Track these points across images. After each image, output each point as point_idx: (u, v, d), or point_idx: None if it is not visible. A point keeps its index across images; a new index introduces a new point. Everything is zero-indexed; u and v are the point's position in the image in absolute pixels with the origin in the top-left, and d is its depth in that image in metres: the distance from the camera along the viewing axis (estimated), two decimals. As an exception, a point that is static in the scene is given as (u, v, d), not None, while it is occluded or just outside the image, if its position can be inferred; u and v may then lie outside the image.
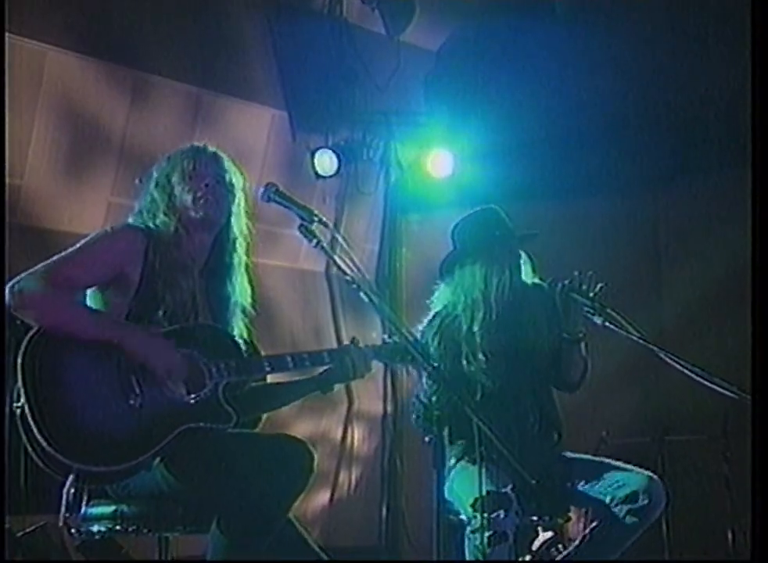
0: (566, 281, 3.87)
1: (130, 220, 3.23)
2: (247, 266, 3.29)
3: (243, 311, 3.26)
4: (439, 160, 6.76)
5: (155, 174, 3.25)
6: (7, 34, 5.03)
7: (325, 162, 6.52)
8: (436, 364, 2.93)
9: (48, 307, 2.92)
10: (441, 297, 4.14)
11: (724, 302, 5.67)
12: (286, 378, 3.35)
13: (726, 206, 5.61)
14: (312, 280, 6.84)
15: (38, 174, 5.45)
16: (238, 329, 3.23)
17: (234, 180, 3.24)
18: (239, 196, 3.24)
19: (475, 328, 3.98)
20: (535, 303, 4.06)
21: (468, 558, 3.66)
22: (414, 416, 3.96)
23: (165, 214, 3.16)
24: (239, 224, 3.25)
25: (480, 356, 3.95)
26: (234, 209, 3.22)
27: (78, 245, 3.10)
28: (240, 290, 3.26)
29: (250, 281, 3.29)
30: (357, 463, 6.85)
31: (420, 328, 4.08)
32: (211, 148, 3.27)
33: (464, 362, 3.96)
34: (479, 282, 4.01)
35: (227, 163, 3.26)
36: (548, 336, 4.05)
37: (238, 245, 3.25)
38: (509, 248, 4.05)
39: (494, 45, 6.76)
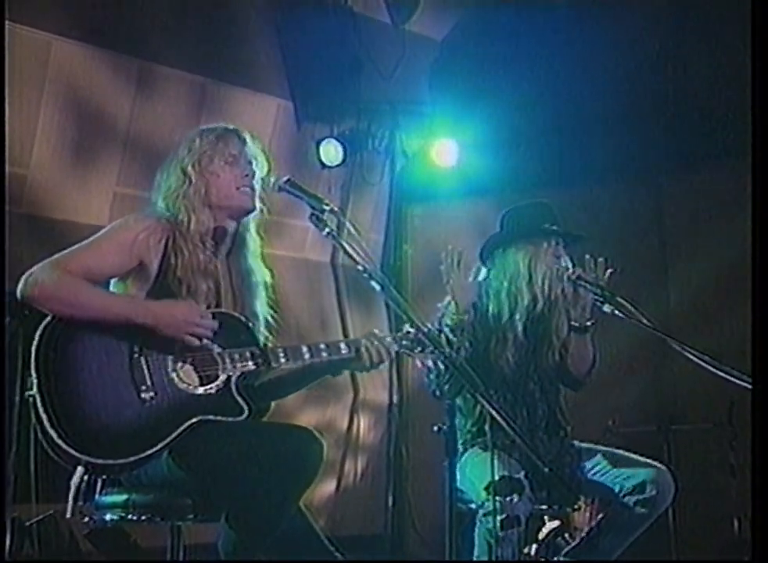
0: (575, 269, 3.87)
1: (158, 202, 3.18)
2: (262, 246, 3.28)
3: (266, 291, 3.24)
4: (444, 150, 6.76)
5: (185, 158, 3.17)
6: (13, 24, 5.04)
7: (330, 151, 6.52)
8: (448, 354, 2.91)
9: (65, 296, 2.90)
10: (486, 280, 4.10)
11: (730, 291, 5.67)
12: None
13: (732, 195, 5.60)
14: (317, 270, 6.84)
15: (44, 164, 5.45)
16: (261, 310, 3.21)
17: (263, 165, 3.21)
18: (259, 180, 3.22)
19: (517, 316, 3.99)
20: (560, 303, 4.04)
21: (477, 542, 3.67)
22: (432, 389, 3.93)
23: (193, 202, 3.12)
24: (265, 202, 3.24)
25: (511, 344, 3.95)
26: (263, 187, 3.21)
27: (97, 235, 3.07)
28: (262, 270, 3.25)
29: (265, 261, 3.29)
30: (362, 452, 6.86)
31: (443, 302, 4.04)
32: (243, 133, 3.22)
33: (493, 345, 3.96)
34: (523, 272, 4.01)
35: (255, 147, 3.22)
36: (561, 329, 4.05)
37: (258, 227, 3.24)
38: (555, 244, 4.02)
39: (499, 34, 6.74)
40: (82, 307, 2.92)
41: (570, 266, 3.98)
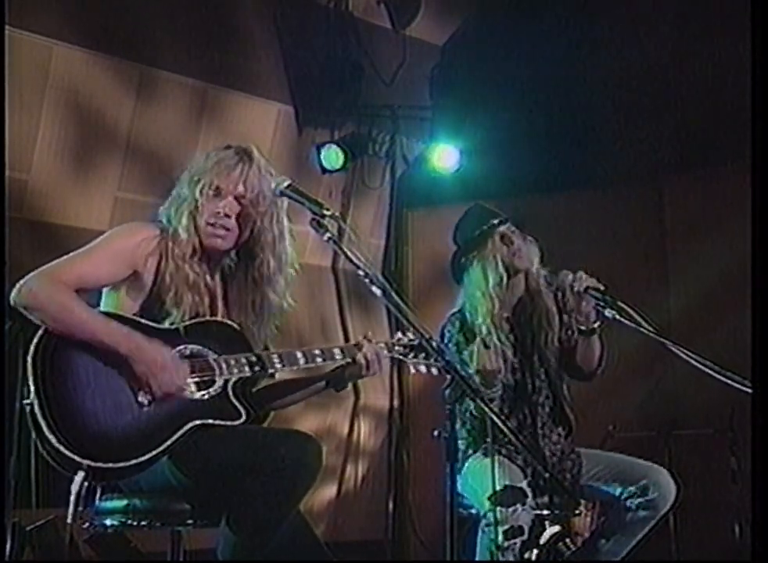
0: (576, 275, 3.88)
1: (161, 209, 3.14)
2: (284, 272, 3.22)
3: (272, 316, 3.20)
4: (445, 155, 6.76)
5: (190, 174, 3.12)
6: (14, 29, 5.05)
7: (331, 156, 6.53)
8: (448, 359, 2.91)
9: (55, 310, 2.87)
10: (460, 297, 4.16)
11: (731, 296, 5.66)
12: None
13: (734, 197, 5.59)
14: (318, 275, 6.84)
15: (45, 169, 5.46)
16: (263, 333, 3.17)
17: (262, 192, 3.09)
18: (269, 206, 3.11)
19: (479, 321, 4.00)
20: (542, 292, 4.08)
21: (479, 550, 3.68)
22: None
23: (184, 220, 3.08)
24: (272, 231, 3.15)
25: (492, 348, 3.96)
26: (261, 220, 3.12)
27: (92, 243, 3.05)
28: (272, 296, 3.19)
29: (285, 289, 3.22)
30: (363, 457, 6.86)
31: (441, 325, 4.09)
32: (253, 159, 3.10)
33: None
34: (479, 280, 4.04)
35: (263, 173, 3.11)
36: (558, 327, 4.07)
37: (269, 254, 3.16)
38: (499, 239, 4.05)
39: (499, 40, 6.76)
40: (70, 326, 2.88)
41: (526, 242, 4.02)
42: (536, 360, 4.03)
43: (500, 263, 4.02)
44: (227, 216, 3.08)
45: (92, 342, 2.89)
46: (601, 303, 3.80)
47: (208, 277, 3.14)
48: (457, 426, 3.84)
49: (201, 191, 3.09)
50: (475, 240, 4.08)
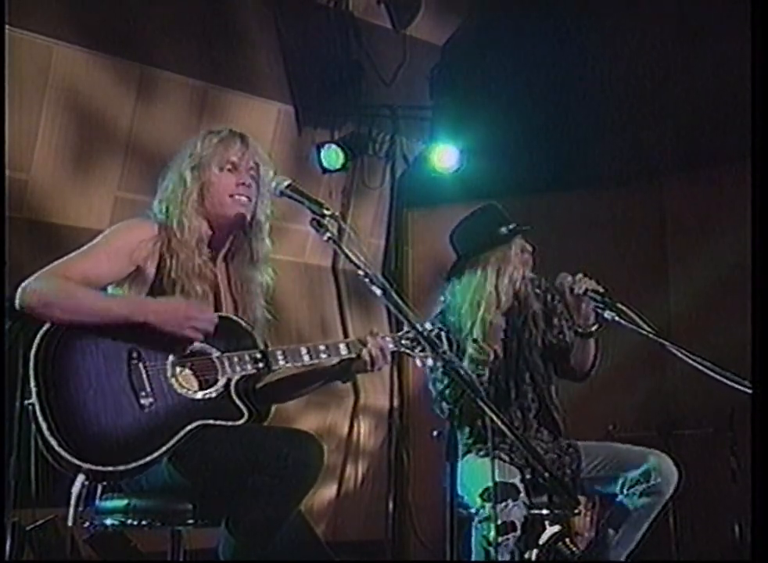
0: (576, 277, 3.88)
1: (154, 206, 3.15)
2: (268, 249, 3.26)
3: (265, 295, 3.23)
4: (445, 154, 6.76)
5: (184, 162, 3.14)
6: (14, 29, 5.05)
7: (331, 156, 6.53)
8: (448, 358, 2.92)
9: (65, 301, 2.88)
10: (448, 295, 4.14)
11: (731, 296, 5.66)
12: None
13: (734, 197, 5.60)
14: (318, 274, 6.85)
15: (45, 169, 5.46)
16: (261, 314, 3.20)
17: (265, 170, 3.17)
18: (266, 185, 3.18)
19: (477, 321, 4.00)
20: (530, 295, 4.09)
21: (474, 548, 3.68)
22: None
23: (187, 208, 3.09)
24: (265, 210, 3.21)
25: (487, 349, 3.97)
26: (260, 198, 3.19)
27: (93, 242, 3.06)
28: (263, 273, 3.24)
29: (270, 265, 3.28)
30: (363, 457, 6.86)
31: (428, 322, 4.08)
32: (248, 138, 3.19)
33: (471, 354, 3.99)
34: (483, 283, 4.02)
35: (261, 152, 3.20)
36: (543, 329, 4.08)
37: (263, 231, 3.22)
38: (518, 247, 4.05)
39: (500, 39, 6.76)
40: (82, 312, 2.89)
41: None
42: (522, 363, 4.04)
43: (511, 271, 4.02)
44: (248, 185, 3.13)
45: (108, 321, 2.89)
46: (601, 305, 3.79)
47: (212, 265, 3.14)
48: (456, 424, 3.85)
49: (215, 170, 3.12)
50: (496, 241, 4.04)
